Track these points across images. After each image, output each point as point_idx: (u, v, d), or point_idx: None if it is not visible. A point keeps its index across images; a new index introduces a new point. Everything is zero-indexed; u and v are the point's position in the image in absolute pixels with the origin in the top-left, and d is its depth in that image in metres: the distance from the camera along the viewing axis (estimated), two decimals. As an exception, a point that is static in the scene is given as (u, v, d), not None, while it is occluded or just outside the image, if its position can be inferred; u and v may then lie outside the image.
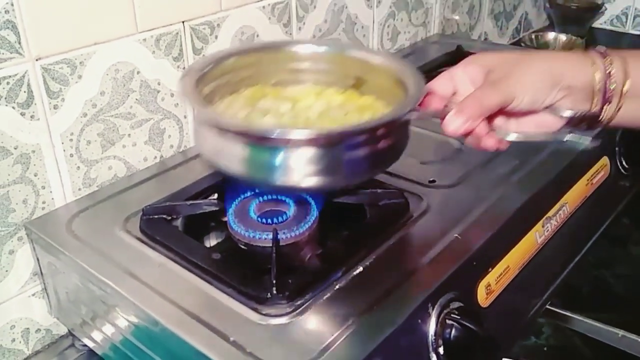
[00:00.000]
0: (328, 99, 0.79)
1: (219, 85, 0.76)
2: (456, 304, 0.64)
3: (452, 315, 0.63)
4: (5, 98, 0.70)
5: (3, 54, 0.69)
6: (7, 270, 0.77)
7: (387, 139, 0.64)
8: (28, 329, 0.81)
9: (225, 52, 0.76)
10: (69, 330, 0.83)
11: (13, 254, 0.77)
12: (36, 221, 0.77)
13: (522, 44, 1.56)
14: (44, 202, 0.78)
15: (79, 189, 0.81)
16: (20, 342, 0.81)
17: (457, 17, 1.48)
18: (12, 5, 0.68)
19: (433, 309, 0.62)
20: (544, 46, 1.57)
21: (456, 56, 1.23)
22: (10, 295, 0.78)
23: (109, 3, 0.77)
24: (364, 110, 0.75)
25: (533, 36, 1.59)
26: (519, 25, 1.72)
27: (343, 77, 0.81)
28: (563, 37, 1.57)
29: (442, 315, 0.63)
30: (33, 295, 0.80)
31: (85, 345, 0.80)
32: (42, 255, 0.76)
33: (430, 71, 1.17)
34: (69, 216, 0.77)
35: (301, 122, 0.72)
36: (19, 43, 0.70)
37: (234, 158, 0.63)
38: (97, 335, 0.75)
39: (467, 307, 0.65)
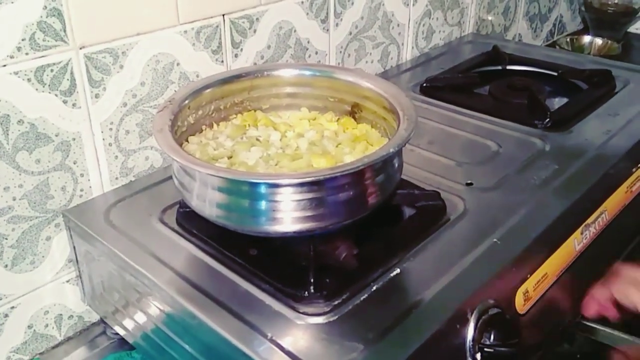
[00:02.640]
0: (322, 126, 0.79)
1: (207, 113, 0.77)
2: (495, 310, 0.63)
3: (491, 321, 0.62)
4: (49, 85, 0.71)
5: (48, 41, 0.69)
6: (43, 257, 0.77)
7: (371, 180, 0.65)
8: (61, 315, 0.82)
9: (215, 77, 0.77)
10: (100, 317, 0.83)
11: (49, 240, 0.77)
12: (74, 209, 0.77)
13: (557, 47, 1.54)
14: (81, 190, 0.78)
15: (116, 178, 0.82)
16: (53, 327, 0.81)
17: (492, 18, 1.46)
18: (59, -7, 0.68)
19: (472, 315, 0.62)
20: (578, 50, 1.55)
21: (492, 57, 1.21)
22: (45, 282, 0.79)
23: (153, -6, 0.77)
24: (357, 141, 0.75)
25: (568, 39, 1.57)
26: (553, 28, 1.70)
27: (339, 102, 0.80)
28: (599, 41, 1.55)
29: (480, 321, 0.62)
30: (67, 282, 0.81)
31: (117, 334, 0.81)
32: (79, 243, 0.77)
33: (467, 70, 1.16)
34: (107, 206, 0.77)
35: (289, 154, 0.73)
36: (64, 31, 0.70)
37: (200, 198, 0.65)
38: (128, 324, 0.75)
39: (505, 313, 0.64)
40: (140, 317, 0.72)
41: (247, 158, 0.71)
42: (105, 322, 0.82)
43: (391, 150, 0.63)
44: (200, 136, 0.77)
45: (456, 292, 0.63)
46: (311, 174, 0.63)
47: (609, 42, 1.54)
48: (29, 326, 0.79)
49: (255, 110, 0.82)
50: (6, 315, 0.76)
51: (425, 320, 0.60)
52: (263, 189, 0.62)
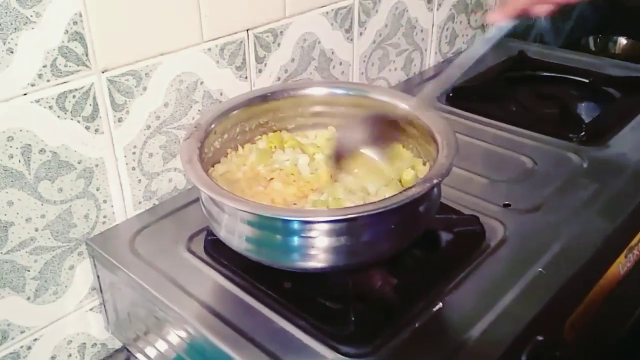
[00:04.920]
0: None
1: (232, 136, 0.74)
2: (546, 349, 0.60)
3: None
4: (71, 112, 0.68)
5: (70, 66, 0.66)
6: (66, 286, 0.74)
7: (412, 212, 0.62)
8: (84, 343, 0.79)
9: (241, 99, 0.75)
10: (123, 344, 0.81)
11: (72, 269, 0.74)
12: (98, 237, 0.75)
13: (580, 46, 1.50)
14: (104, 217, 0.75)
15: (139, 203, 0.79)
16: (76, 357, 0.79)
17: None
18: (81, 16, 0.65)
19: (521, 356, 0.59)
20: (602, 49, 1.51)
21: (519, 62, 1.18)
22: (68, 311, 0.76)
23: (176, 13, 0.74)
24: (393, 159, 0.72)
25: (591, 39, 1.53)
26: (575, 27, 1.66)
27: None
28: (624, 41, 1.51)
29: (531, 362, 0.59)
30: (90, 310, 0.78)
31: (141, 361, 0.78)
32: (104, 273, 0.74)
33: (493, 77, 1.12)
34: (131, 233, 0.74)
35: (321, 185, 0.70)
36: (86, 55, 0.67)
37: (229, 230, 0.63)
38: (151, 352, 0.73)
39: (555, 350, 0.61)
40: (165, 348, 0.70)
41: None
42: (129, 349, 0.79)
43: (435, 181, 0.59)
44: (226, 162, 0.73)
45: (503, 329, 0.60)
46: (348, 210, 0.60)
47: (634, 41, 1.50)
48: (52, 357, 0.76)
49: (280, 131, 0.78)
50: (29, 348, 0.74)
51: (474, 362, 0.57)
52: (297, 226, 0.59)
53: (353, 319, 0.59)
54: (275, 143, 0.77)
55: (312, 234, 0.59)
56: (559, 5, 0.65)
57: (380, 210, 0.57)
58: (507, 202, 0.78)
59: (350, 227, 0.59)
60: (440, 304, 0.63)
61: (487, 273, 0.67)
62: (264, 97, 0.76)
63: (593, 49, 1.50)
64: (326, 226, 0.59)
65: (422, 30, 1.15)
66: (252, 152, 0.75)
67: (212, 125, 0.70)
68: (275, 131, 0.78)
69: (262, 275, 0.66)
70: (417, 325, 0.60)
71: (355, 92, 0.78)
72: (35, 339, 0.74)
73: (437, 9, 1.16)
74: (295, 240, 0.60)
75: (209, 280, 0.68)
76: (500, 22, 0.65)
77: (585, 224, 0.74)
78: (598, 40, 1.53)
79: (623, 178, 0.82)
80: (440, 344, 0.58)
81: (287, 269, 0.63)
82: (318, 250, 0.59)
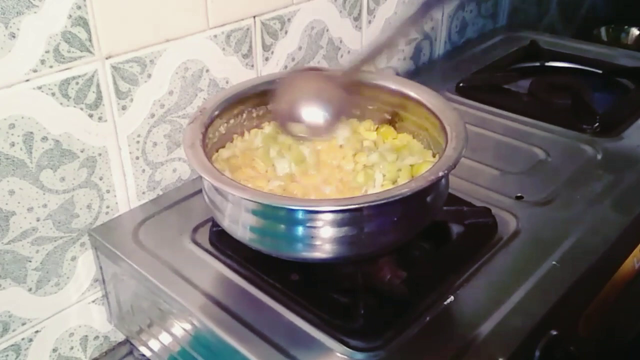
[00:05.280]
0: (360, 136, 0.74)
1: (239, 122, 0.72)
2: (560, 343, 0.58)
3: (556, 356, 0.57)
4: (74, 99, 0.66)
5: (73, 52, 0.64)
6: (68, 278, 0.73)
7: (419, 203, 0.60)
8: (86, 336, 0.78)
9: (247, 84, 0.73)
10: (126, 337, 0.79)
11: (75, 260, 0.73)
12: (100, 228, 0.73)
13: (592, 36, 1.48)
14: (107, 207, 0.74)
15: (143, 193, 0.77)
16: (78, 349, 0.77)
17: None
18: (84, 1, 0.63)
19: (535, 351, 0.57)
20: (614, 40, 1.49)
21: (530, 52, 1.15)
22: (70, 303, 0.74)
23: (182, -2, 0.72)
24: (397, 151, 0.70)
25: (603, 29, 1.50)
26: (586, 17, 1.63)
27: (378, 110, 0.75)
28: (636, 32, 1.48)
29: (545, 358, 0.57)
30: (93, 302, 0.77)
31: (144, 355, 0.77)
32: (107, 265, 0.72)
33: (504, 68, 1.10)
34: (135, 224, 0.73)
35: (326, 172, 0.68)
36: (90, 41, 0.65)
37: (232, 220, 0.61)
38: (154, 345, 0.72)
39: (570, 345, 0.60)
40: (170, 340, 0.68)
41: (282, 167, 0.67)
42: (132, 342, 0.78)
43: (440, 174, 0.57)
44: (231, 146, 0.72)
45: (516, 324, 0.58)
46: (354, 200, 0.58)
47: (646, 32, 1.47)
48: (54, 349, 0.75)
49: None
50: (30, 340, 0.72)
51: (486, 357, 0.55)
52: (302, 215, 0.58)
53: (362, 312, 0.58)
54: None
55: (317, 224, 0.57)
56: None
57: (385, 201, 0.55)
58: (519, 194, 0.76)
59: (354, 217, 0.57)
60: (452, 298, 0.61)
61: (499, 266, 0.65)
62: (272, 83, 0.74)
63: (605, 39, 1.48)
64: (331, 216, 0.57)
65: (432, 19, 1.13)
66: (257, 135, 0.73)
67: (217, 111, 0.68)
68: None
69: (269, 267, 0.65)
70: (427, 319, 0.59)
71: (369, 80, 0.76)
72: (37, 331, 0.72)
73: (446, -2, 1.14)
74: (300, 230, 0.58)
75: (214, 271, 0.66)
76: None
77: (599, 217, 0.72)
78: (610, 30, 1.50)
79: (638, 170, 0.80)
80: (452, 339, 0.57)
81: (292, 259, 0.62)
82: (323, 240, 0.58)
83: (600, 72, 1.06)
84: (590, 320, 0.65)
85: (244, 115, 0.73)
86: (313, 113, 0.63)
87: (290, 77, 0.70)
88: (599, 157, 0.83)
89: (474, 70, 1.10)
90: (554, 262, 0.65)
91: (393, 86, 0.74)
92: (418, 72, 1.14)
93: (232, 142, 0.73)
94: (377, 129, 0.76)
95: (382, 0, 1.00)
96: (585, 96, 0.96)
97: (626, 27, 1.50)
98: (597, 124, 0.89)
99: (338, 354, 0.56)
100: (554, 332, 0.59)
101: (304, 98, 0.64)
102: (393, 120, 0.76)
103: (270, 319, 0.60)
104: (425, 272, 0.65)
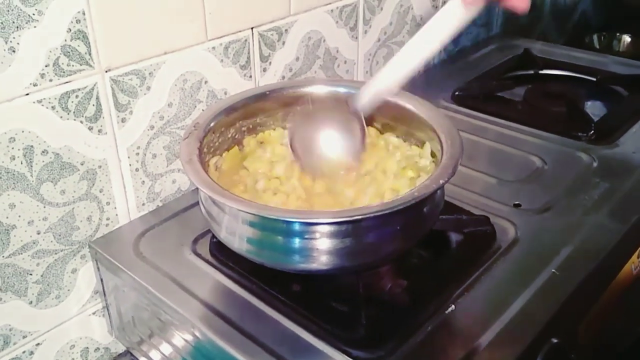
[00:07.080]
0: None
1: (232, 134, 0.72)
2: (562, 351, 0.59)
3: (557, 364, 0.58)
4: (74, 112, 0.66)
5: (73, 66, 0.64)
6: (69, 290, 0.73)
7: (417, 212, 0.61)
8: (87, 348, 0.78)
9: (240, 96, 0.73)
10: (127, 348, 0.79)
11: (75, 272, 0.73)
12: (101, 240, 0.73)
13: (585, 44, 1.49)
14: (107, 219, 0.74)
15: (143, 204, 0.77)
16: (79, 362, 0.77)
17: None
18: (84, 14, 0.64)
19: (537, 359, 0.57)
20: (606, 47, 1.50)
21: (524, 60, 1.16)
22: (70, 315, 0.74)
23: (180, 11, 0.72)
24: (393, 150, 0.71)
25: (595, 36, 1.52)
26: (578, 24, 1.65)
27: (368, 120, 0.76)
28: (628, 39, 1.50)
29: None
30: (93, 313, 0.77)
31: (145, 366, 0.77)
32: (107, 276, 0.72)
33: (499, 76, 1.11)
34: (135, 235, 0.73)
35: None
36: (89, 54, 0.66)
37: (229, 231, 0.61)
38: (155, 356, 0.72)
39: (570, 352, 0.60)
40: (170, 351, 0.68)
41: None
42: (132, 353, 0.78)
43: (441, 181, 0.58)
44: (227, 157, 0.72)
45: (518, 332, 0.58)
46: (352, 212, 0.58)
47: (638, 39, 1.49)
48: (54, 362, 0.75)
49: (274, 129, 0.77)
50: (31, 353, 0.72)
51: (488, 366, 0.56)
52: (299, 227, 0.58)
53: (364, 322, 0.58)
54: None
55: (315, 235, 0.57)
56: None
57: (383, 213, 0.55)
58: (517, 202, 0.77)
59: (352, 228, 0.57)
60: (453, 307, 0.61)
61: (499, 274, 0.66)
62: (264, 95, 0.74)
63: (597, 46, 1.49)
64: (328, 228, 0.57)
65: (426, 29, 1.14)
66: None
67: (212, 124, 0.68)
68: (274, 129, 0.76)
69: (270, 278, 0.65)
70: (429, 328, 0.59)
71: (356, 90, 0.76)
72: (38, 344, 0.72)
73: (442, 7, 1.15)
74: (297, 242, 0.58)
75: (215, 282, 0.67)
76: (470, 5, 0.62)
77: (597, 224, 0.72)
78: (602, 37, 1.51)
79: (634, 177, 0.81)
80: (453, 348, 0.57)
81: (289, 271, 0.62)
82: (319, 252, 0.58)
83: (594, 79, 1.07)
84: (590, 327, 0.65)
85: (237, 127, 0.73)
86: (341, 147, 0.66)
87: (303, 115, 0.71)
88: (595, 164, 0.84)
89: (469, 78, 1.11)
90: (553, 270, 0.65)
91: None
92: (413, 81, 1.14)
93: (228, 152, 0.72)
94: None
95: (377, 11, 1.01)
96: (580, 104, 0.97)
97: (618, 34, 1.52)
98: (592, 132, 0.90)
99: (338, 363, 0.56)
100: (555, 340, 0.59)
101: (326, 135, 0.66)
102: (383, 131, 0.76)
103: (272, 330, 0.60)
104: (426, 281, 0.65)
